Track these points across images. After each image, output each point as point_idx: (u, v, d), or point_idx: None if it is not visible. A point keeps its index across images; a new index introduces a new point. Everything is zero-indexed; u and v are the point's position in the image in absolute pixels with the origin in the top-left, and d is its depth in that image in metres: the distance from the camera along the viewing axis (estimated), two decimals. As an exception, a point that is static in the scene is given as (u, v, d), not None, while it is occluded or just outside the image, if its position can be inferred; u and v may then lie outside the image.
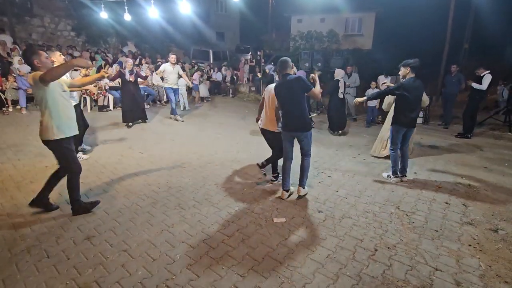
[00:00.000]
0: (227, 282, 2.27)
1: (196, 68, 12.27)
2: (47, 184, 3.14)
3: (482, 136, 7.03)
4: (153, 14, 9.65)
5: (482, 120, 7.83)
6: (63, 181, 3.95)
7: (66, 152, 3.00)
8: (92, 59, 10.53)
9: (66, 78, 3.29)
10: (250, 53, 17.33)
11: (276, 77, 7.70)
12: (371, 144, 6.12)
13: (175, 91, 7.63)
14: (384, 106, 5.23)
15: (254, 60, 15.58)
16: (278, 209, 3.37)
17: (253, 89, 12.90)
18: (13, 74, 7.70)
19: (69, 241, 2.71)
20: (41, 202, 3.15)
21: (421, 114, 8.21)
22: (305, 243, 2.76)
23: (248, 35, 23.53)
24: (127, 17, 10.27)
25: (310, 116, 3.94)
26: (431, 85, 10.81)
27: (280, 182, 3.84)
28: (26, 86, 7.54)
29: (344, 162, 5.01)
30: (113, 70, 8.18)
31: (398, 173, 4.24)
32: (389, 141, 4.42)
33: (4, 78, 7.68)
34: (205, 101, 10.89)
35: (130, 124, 6.88)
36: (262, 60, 12.23)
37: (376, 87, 7.84)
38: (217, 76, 12.63)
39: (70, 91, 3.56)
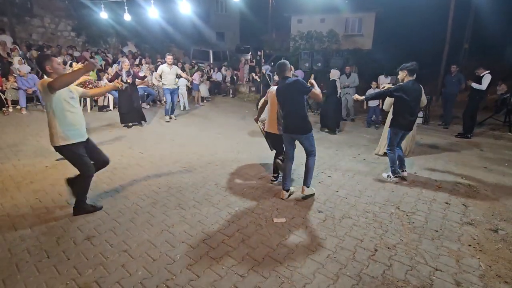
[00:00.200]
0: (227, 282, 2.27)
1: (196, 68, 12.28)
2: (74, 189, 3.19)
3: (482, 136, 7.02)
4: (153, 14, 9.66)
5: (482, 120, 7.83)
6: (63, 181, 3.96)
7: (74, 157, 3.02)
8: (92, 59, 10.54)
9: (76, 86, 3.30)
10: (250, 53, 17.33)
11: (275, 77, 7.72)
12: (371, 144, 6.13)
13: (173, 92, 7.53)
14: (385, 107, 5.26)
15: (254, 60, 15.58)
16: (278, 209, 3.37)
17: (253, 89, 12.90)
18: (13, 74, 7.71)
19: (69, 241, 2.71)
20: (82, 210, 3.17)
21: (421, 114, 8.20)
22: (305, 243, 2.76)
23: (248, 35, 23.53)
24: (127, 17, 10.28)
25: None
26: (431, 85, 10.80)
27: (280, 182, 3.85)
28: (26, 86, 7.55)
29: (344, 162, 5.01)
30: (113, 70, 8.18)
31: (398, 170, 4.26)
32: (386, 142, 4.45)
33: (4, 78, 7.68)
34: (205, 101, 10.89)
35: (130, 124, 6.88)
36: (262, 60, 12.23)
37: (377, 87, 7.83)
38: (217, 76, 12.62)
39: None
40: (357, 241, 2.81)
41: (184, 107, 9.31)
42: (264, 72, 8.64)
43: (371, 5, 17.48)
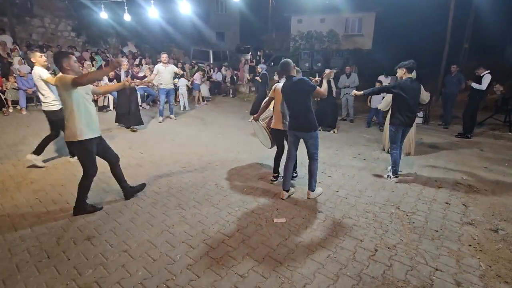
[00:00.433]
0: (227, 283, 2.27)
1: (196, 68, 12.28)
2: (81, 189, 3.20)
3: (482, 136, 7.02)
4: (153, 14, 9.66)
5: (482, 120, 7.83)
6: (63, 181, 3.96)
7: (86, 154, 3.08)
8: (92, 59, 10.54)
9: None
10: (250, 53, 17.33)
11: (275, 77, 7.71)
12: (371, 144, 6.14)
13: (168, 92, 7.40)
14: (381, 106, 5.34)
15: (254, 60, 15.57)
16: (278, 210, 3.37)
17: (253, 89, 12.88)
18: (13, 75, 7.71)
19: (70, 241, 2.71)
20: (82, 209, 3.19)
21: (421, 114, 8.21)
22: (305, 244, 2.76)
23: (248, 35, 23.54)
24: (127, 17, 10.28)
25: None
26: (431, 85, 10.78)
27: (280, 182, 3.85)
28: (26, 86, 7.55)
29: (344, 162, 5.01)
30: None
31: (399, 170, 4.27)
32: (389, 141, 4.47)
33: (4, 79, 7.69)
34: (205, 101, 10.89)
35: (125, 126, 6.78)
36: (262, 60, 12.24)
37: None
38: (217, 76, 12.63)
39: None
40: (357, 241, 2.81)
41: (184, 107, 9.30)
42: (259, 72, 8.65)
43: (371, 5, 17.48)
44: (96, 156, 3.19)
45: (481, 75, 6.46)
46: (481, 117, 7.76)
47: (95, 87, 3.40)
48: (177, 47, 17.45)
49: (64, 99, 2.94)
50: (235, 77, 13.05)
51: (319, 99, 7.11)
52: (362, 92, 4.41)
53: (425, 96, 4.60)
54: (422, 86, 4.28)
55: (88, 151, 3.07)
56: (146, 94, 9.10)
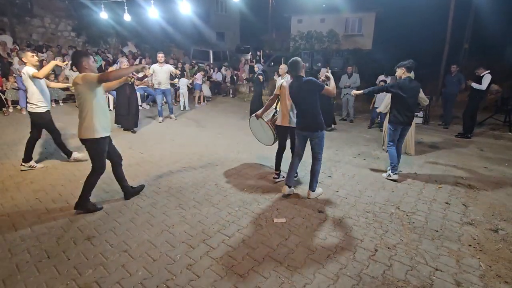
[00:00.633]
0: (227, 283, 2.27)
1: (196, 68, 12.27)
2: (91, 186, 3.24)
3: (482, 136, 7.02)
4: (153, 14, 9.65)
5: (482, 120, 7.83)
6: (63, 181, 3.96)
7: (99, 151, 3.14)
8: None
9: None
10: (250, 53, 17.35)
11: (275, 77, 7.69)
12: (371, 144, 6.13)
13: (165, 92, 7.32)
14: (381, 108, 5.40)
15: (254, 60, 15.57)
16: (278, 209, 3.37)
17: (253, 89, 12.89)
18: (13, 75, 7.71)
19: (70, 241, 2.71)
20: (83, 206, 3.21)
21: (421, 114, 8.20)
22: (305, 244, 2.76)
23: (248, 35, 23.56)
24: (127, 17, 10.27)
25: None
26: (431, 85, 10.80)
27: (282, 180, 3.91)
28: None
29: (344, 163, 5.01)
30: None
31: (397, 166, 4.30)
32: (386, 138, 4.54)
33: (5, 79, 7.69)
34: (205, 101, 10.90)
35: (123, 128, 6.74)
36: (262, 60, 12.24)
37: None
38: (217, 76, 12.63)
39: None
40: (357, 241, 2.81)
41: (184, 107, 9.30)
42: (257, 70, 8.65)
43: (371, 5, 17.50)
44: None
45: (481, 75, 6.46)
46: (481, 117, 7.76)
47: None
48: (177, 47, 17.46)
49: (83, 97, 2.97)
50: (235, 77, 13.05)
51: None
52: (361, 92, 4.44)
53: (423, 100, 4.66)
54: (421, 90, 4.32)
55: (102, 149, 3.14)
56: (146, 94, 9.10)
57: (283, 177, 4.10)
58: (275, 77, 9.12)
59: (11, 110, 7.48)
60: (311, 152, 3.63)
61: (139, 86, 7.50)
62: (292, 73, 3.53)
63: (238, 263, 2.48)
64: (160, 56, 7.03)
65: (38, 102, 4.08)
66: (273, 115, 4.08)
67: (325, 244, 2.76)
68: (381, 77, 8.39)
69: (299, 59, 3.50)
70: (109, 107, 8.52)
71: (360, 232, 2.97)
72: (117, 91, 6.84)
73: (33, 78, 3.96)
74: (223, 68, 13.10)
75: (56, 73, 8.66)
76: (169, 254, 2.58)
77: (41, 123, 4.21)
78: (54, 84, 4.66)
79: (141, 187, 3.73)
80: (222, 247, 2.68)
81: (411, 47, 13.71)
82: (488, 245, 2.82)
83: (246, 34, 23.91)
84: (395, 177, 4.25)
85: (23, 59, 4.10)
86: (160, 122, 7.49)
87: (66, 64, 6.42)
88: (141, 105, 8.54)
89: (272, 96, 4.09)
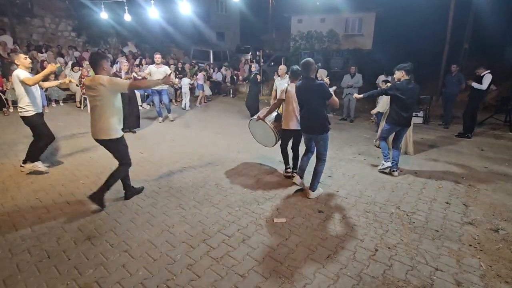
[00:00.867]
0: (228, 282, 2.27)
1: (197, 68, 12.27)
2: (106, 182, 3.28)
3: (482, 136, 7.02)
4: (153, 14, 9.65)
5: (482, 119, 7.83)
6: (63, 181, 3.96)
7: (124, 148, 3.29)
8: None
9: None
10: (250, 53, 17.34)
11: (275, 76, 7.67)
12: (371, 144, 6.13)
13: (161, 92, 7.28)
14: (379, 108, 5.59)
15: (254, 60, 15.56)
16: (279, 209, 3.37)
17: (250, 88, 12.87)
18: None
19: (70, 241, 2.71)
20: (98, 198, 3.22)
21: (421, 114, 8.21)
22: (305, 243, 2.76)
23: (248, 35, 23.55)
24: (127, 17, 10.27)
25: None
26: (431, 85, 10.80)
27: (283, 174, 4.21)
28: (26, 86, 7.53)
29: (344, 162, 5.01)
30: (113, 70, 8.17)
31: (390, 163, 4.45)
32: (379, 133, 4.79)
33: (5, 79, 7.69)
34: (206, 101, 10.90)
35: (125, 130, 6.72)
36: (262, 60, 12.22)
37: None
38: (217, 76, 12.63)
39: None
40: (357, 241, 2.81)
41: (185, 107, 9.30)
42: (253, 71, 8.65)
43: (371, 5, 17.49)
44: (102, 154, 3.24)
45: (482, 75, 6.46)
46: (481, 117, 7.76)
47: None
48: (177, 47, 17.46)
49: (105, 99, 3.01)
50: (235, 77, 13.05)
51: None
52: (362, 95, 4.59)
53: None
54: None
55: (125, 145, 3.30)
56: (146, 94, 9.10)
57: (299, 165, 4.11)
58: (275, 77, 9.13)
59: (11, 110, 7.48)
60: (316, 153, 3.70)
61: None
62: (303, 74, 3.52)
63: (238, 263, 2.48)
64: (158, 57, 6.99)
65: (26, 106, 3.97)
66: (275, 117, 4.12)
67: (325, 244, 2.76)
68: (382, 77, 8.39)
69: (311, 60, 3.48)
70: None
71: (360, 232, 2.97)
72: None
73: (23, 83, 3.88)
74: (223, 68, 13.10)
75: (56, 73, 8.65)
76: (170, 254, 2.58)
77: (32, 125, 4.09)
78: (47, 84, 4.61)
79: (141, 188, 3.74)
80: (222, 247, 2.68)
81: (411, 47, 13.71)
82: (489, 245, 2.82)
83: (246, 34, 23.90)
84: (388, 164, 4.42)
85: (15, 61, 4.05)
86: (160, 122, 7.49)
87: (66, 64, 6.41)
88: (141, 105, 8.53)
89: (276, 101, 4.10)
